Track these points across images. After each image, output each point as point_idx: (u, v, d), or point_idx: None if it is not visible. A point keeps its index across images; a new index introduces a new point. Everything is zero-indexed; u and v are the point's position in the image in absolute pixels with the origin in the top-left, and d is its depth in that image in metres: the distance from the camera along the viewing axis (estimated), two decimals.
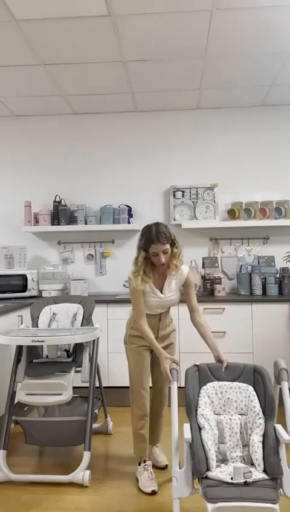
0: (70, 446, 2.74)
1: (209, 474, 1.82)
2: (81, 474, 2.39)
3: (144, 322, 2.42)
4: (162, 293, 2.45)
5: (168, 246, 2.34)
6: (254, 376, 2.09)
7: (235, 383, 2.08)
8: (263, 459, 1.87)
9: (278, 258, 4.04)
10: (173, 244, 2.39)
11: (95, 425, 3.09)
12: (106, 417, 3.09)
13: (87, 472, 2.41)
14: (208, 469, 1.84)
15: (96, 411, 2.73)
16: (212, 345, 2.33)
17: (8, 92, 3.75)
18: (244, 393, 2.05)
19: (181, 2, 2.54)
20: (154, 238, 2.31)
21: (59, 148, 4.29)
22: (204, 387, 2.07)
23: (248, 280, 3.79)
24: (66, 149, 4.29)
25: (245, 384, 2.07)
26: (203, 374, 2.10)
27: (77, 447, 2.79)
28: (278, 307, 3.52)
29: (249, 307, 3.55)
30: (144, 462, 2.44)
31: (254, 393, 2.04)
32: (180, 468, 1.89)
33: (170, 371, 2.22)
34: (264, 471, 1.85)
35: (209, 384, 2.08)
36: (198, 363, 2.16)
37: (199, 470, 1.81)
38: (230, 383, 2.08)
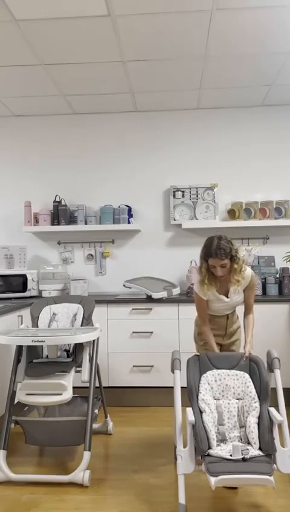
0: (70, 446, 2.74)
1: (211, 452, 2.01)
2: (81, 474, 2.39)
3: (207, 328, 2.59)
4: (227, 298, 2.54)
5: (226, 261, 2.42)
6: (250, 365, 2.30)
7: (233, 371, 2.28)
8: (259, 438, 2.07)
9: (278, 258, 4.04)
10: (233, 259, 2.44)
11: (95, 425, 3.10)
12: (106, 417, 3.09)
13: (87, 472, 2.41)
14: (209, 447, 2.04)
15: (96, 411, 2.73)
16: (246, 337, 2.52)
17: (8, 92, 3.75)
18: (241, 380, 2.25)
19: (181, 2, 2.54)
20: (212, 252, 2.41)
21: (59, 148, 4.29)
22: (204, 375, 2.26)
23: None
24: (66, 149, 4.29)
25: (242, 372, 2.27)
26: (203, 363, 2.31)
27: (77, 447, 2.79)
28: (278, 307, 3.52)
29: None
30: None
31: (250, 380, 2.24)
32: (184, 448, 2.07)
33: (173, 360, 2.33)
34: (260, 448, 2.05)
35: (208, 372, 2.27)
36: (198, 353, 2.36)
37: (201, 447, 2.01)
38: (228, 371, 2.28)
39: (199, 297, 2.55)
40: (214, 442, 2.06)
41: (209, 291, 2.50)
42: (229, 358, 2.33)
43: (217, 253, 2.38)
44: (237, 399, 2.23)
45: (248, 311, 2.63)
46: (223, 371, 2.27)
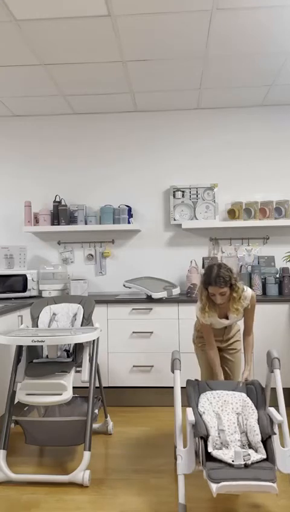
0: (70, 446, 2.74)
1: (213, 453, 2.00)
2: (81, 474, 2.39)
3: (214, 352, 2.61)
4: (228, 319, 2.58)
5: (226, 289, 2.43)
6: (247, 387, 2.36)
7: (231, 391, 2.33)
8: (260, 432, 2.09)
9: (278, 258, 4.04)
10: (232, 288, 2.45)
11: (95, 425, 3.10)
12: (106, 417, 3.09)
13: (87, 472, 2.41)
14: (208, 434, 2.07)
15: (96, 411, 2.73)
16: (245, 362, 2.59)
17: (8, 92, 3.75)
18: (238, 397, 2.30)
19: (181, 2, 2.54)
20: (212, 280, 2.42)
21: (59, 148, 4.29)
22: (203, 393, 2.32)
23: (248, 280, 3.79)
24: (66, 149, 4.29)
25: (239, 392, 2.33)
26: (202, 386, 2.37)
27: (77, 447, 2.79)
28: (278, 307, 3.52)
29: None
30: None
31: (247, 396, 2.30)
32: (184, 448, 2.07)
33: (173, 360, 2.35)
34: (262, 441, 2.05)
35: (208, 392, 2.33)
36: (198, 379, 2.43)
37: (199, 430, 2.03)
38: (226, 391, 2.34)
39: (203, 323, 2.59)
40: (212, 430, 2.08)
41: (210, 317, 2.54)
42: (227, 383, 2.40)
43: (217, 281, 2.39)
44: (236, 413, 2.25)
45: (247, 331, 2.64)
46: (221, 390, 2.33)
